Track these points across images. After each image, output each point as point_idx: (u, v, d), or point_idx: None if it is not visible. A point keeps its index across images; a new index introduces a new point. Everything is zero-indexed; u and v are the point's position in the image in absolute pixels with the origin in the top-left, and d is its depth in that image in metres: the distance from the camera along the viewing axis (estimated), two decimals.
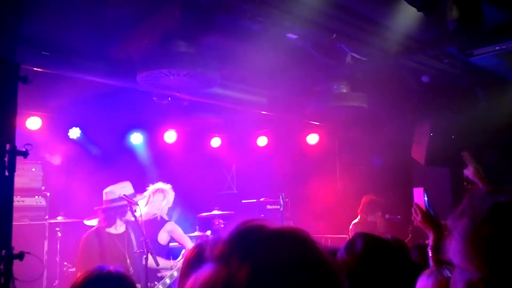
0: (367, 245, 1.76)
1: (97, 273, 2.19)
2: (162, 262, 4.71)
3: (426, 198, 2.77)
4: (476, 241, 1.44)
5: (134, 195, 4.67)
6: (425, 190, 2.79)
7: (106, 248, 4.43)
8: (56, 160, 6.58)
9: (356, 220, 6.42)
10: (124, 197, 4.56)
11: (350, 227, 6.39)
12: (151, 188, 5.21)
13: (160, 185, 5.26)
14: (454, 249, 1.57)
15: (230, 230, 0.85)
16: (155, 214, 5.08)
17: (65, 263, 5.68)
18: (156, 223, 5.06)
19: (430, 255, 2.60)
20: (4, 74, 2.07)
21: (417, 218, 2.74)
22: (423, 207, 2.73)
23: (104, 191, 4.63)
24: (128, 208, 4.55)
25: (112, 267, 2.22)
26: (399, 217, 6.30)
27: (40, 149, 6.37)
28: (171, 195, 5.26)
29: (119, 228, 4.62)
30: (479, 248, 1.39)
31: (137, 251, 4.54)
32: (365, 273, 1.70)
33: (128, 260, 4.48)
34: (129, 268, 4.36)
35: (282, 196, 6.37)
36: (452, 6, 3.40)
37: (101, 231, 4.51)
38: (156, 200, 5.13)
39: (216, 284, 0.78)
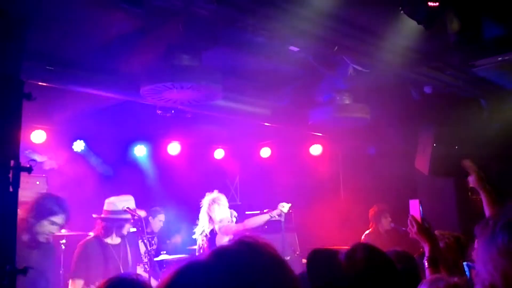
0: (369, 262, 1.76)
1: (121, 279, 2.19)
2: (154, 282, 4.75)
3: (421, 210, 2.79)
4: (490, 248, 1.53)
5: (134, 210, 4.69)
6: (420, 202, 2.81)
7: (102, 257, 4.45)
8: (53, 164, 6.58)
9: (368, 231, 6.41)
10: (128, 210, 4.58)
11: (362, 237, 6.36)
12: (205, 203, 5.37)
13: (209, 196, 5.43)
14: (477, 255, 1.70)
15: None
16: (222, 222, 5.24)
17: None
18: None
19: (426, 266, 2.62)
20: (9, 91, 2.10)
21: (412, 230, 2.76)
22: (419, 219, 2.76)
23: (106, 200, 4.66)
24: (132, 221, 4.58)
25: (138, 275, 2.24)
26: (404, 229, 6.27)
27: (45, 162, 6.40)
28: (222, 200, 5.41)
29: (115, 239, 4.65)
30: (491, 255, 1.47)
31: (139, 264, 4.57)
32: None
33: (122, 272, 4.49)
34: None
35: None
36: (453, 19, 3.42)
37: (99, 240, 4.54)
38: (215, 211, 5.29)
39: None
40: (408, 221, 2.82)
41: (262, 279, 0.96)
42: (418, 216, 2.79)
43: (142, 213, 4.79)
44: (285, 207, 5.34)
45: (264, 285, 0.96)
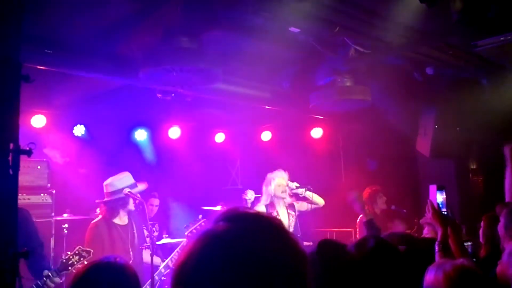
0: (378, 248, 1.78)
1: (99, 263, 2.25)
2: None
3: (442, 196, 2.90)
4: (506, 222, 1.61)
5: (135, 185, 4.72)
6: (439, 187, 2.92)
7: (111, 238, 4.51)
8: (58, 158, 6.59)
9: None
10: (130, 194, 4.61)
11: (357, 220, 6.37)
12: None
13: (268, 176, 5.85)
14: (499, 230, 1.82)
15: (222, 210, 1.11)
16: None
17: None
18: None
19: (437, 250, 2.66)
20: (7, 73, 2.07)
21: (428, 214, 2.85)
22: (435, 204, 2.86)
23: (104, 183, 4.70)
24: (133, 204, 4.62)
25: (118, 257, 2.28)
26: (405, 211, 6.28)
27: (46, 147, 6.40)
28: (276, 180, 5.75)
29: (123, 218, 4.69)
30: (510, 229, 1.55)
31: (142, 247, 4.61)
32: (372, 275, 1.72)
33: (131, 253, 4.53)
34: (130, 261, 4.39)
35: None
36: None
37: (107, 221, 4.59)
38: (265, 190, 5.75)
39: (205, 232, 1.04)
40: (426, 205, 2.93)
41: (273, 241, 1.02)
42: (434, 201, 2.89)
43: (142, 186, 4.82)
44: (248, 194, 5.68)
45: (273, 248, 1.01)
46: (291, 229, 5.77)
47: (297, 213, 5.91)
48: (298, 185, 5.83)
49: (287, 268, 1.00)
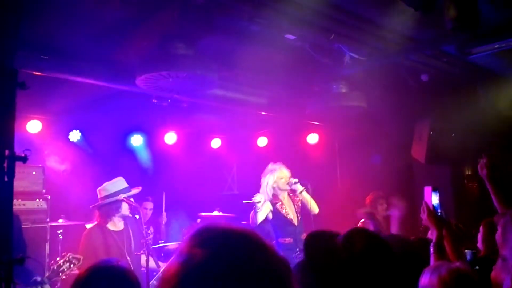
0: (366, 244, 1.76)
1: (101, 266, 2.25)
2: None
3: (436, 197, 2.89)
4: (503, 231, 1.67)
5: (128, 189, 4.71)
6: (434, 189, 2.91)
7: (107, 244, 4.49)
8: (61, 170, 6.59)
9: (363, 220, 6.41)
10: (125, 200, 4.60)
11: (359, 225, 6.36)
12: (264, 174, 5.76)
13: (268, 167, 5.76)
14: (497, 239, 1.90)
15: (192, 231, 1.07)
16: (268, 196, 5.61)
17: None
18: None
19: (432, 251, 2.67)
20: (2, 80, 2.08)
21: (423, 216, 2.86)
22: (430, 206, 2.85)
23: (98, 189, 4.70)
24: (129, 210, 4.61)
25: (119, 261, 2.29)
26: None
27: (41, 152, 6.38)
28: (278, 171, 5.68)
29: (118, 224, 4.68)
30: (506, 238, 1.60)
31: (137, 253, 4.59)
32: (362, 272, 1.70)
33: (128, 258, 4.52)
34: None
35: None
36: (449, 5, 3.41)
37: (102, 227, 4.57)
38: (264, 182, 5.66)
39: (177, 268, 0.99)
40: (421, 207, 2.93)
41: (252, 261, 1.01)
42: (429, 203, 2.88)
43: (136, 190, 4.82)
44: (257, 197, 5.47)
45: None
46: (298, 217, 5.71)
47: (300, 203, 5.81)
48: (297, 180, 5.74)
49: (270, 281, 1.00)
